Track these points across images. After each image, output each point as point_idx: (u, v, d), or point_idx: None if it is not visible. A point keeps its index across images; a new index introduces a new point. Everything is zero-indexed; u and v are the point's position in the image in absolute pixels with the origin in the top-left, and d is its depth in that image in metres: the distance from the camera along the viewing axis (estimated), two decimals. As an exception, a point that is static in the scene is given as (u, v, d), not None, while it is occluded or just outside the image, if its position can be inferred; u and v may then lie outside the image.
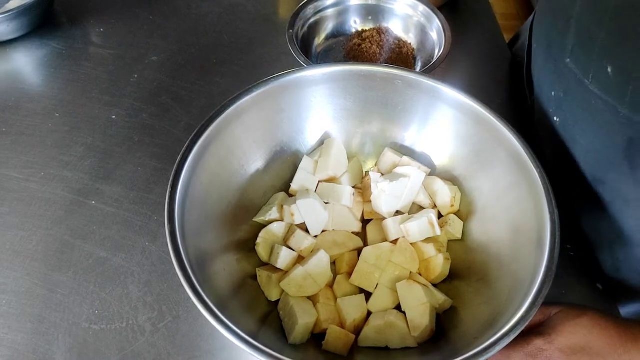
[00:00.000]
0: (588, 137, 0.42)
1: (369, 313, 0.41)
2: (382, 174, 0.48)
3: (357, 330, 0.40)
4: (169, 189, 0.37)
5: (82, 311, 0.44)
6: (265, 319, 0.40)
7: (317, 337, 0.40)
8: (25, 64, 0.65)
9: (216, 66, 0.66)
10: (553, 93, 0.47)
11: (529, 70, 0.58)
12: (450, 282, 0.44)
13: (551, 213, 0.37)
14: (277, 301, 0.42)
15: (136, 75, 0.64)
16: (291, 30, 0.60)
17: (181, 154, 0.39)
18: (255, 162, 0.46)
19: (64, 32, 0.69)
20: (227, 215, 0.43)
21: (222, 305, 0.34)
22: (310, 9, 0.64)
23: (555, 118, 0.48)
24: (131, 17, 0.72)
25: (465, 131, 0.46)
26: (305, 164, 0.48)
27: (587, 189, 0.45)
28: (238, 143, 0.44)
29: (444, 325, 0.41)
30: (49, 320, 0.44)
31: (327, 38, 0.67)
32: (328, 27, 0.67)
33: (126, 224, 0.50)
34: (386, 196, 0.45)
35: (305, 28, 0.64)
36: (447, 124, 0.47)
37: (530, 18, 0.62)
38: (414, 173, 0.45)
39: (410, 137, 0.49)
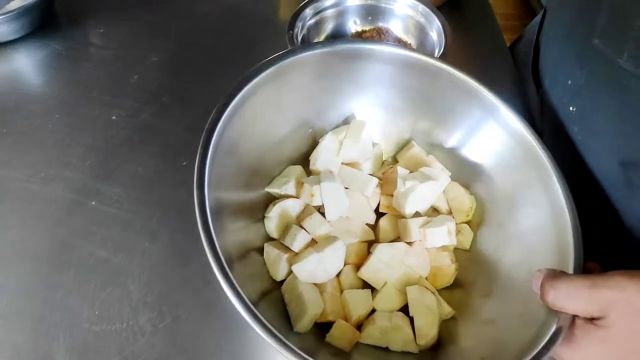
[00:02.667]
0: (614, 121, 0.41)
1: (373, 309, 0.41)
2: (405, 168, 0.47)
3: (359, 325, 0.40)
4: (204, 135, 0.37)
5: (82, 311, 0.44)
6: (264, 297, 0.38)
7: (318, 325, 0.40)
8: (26, 65, 0.65)
9: (216, 67, 0.66)
10: (570, 82, 0.46)
11: (535, 64, 0.58)
12: (452, 289, 0.43)
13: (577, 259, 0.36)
14: (281, 281, 0.41)
15: (136, 76, 0.64)
16: (291, 31, 0.60)
17: (219, 105, 0.39)
18: (279, 128, 0.45)
19: (64, 32, 0.69)
20: (243, 177, 0.42)
21: (230, 267, 0.32)
22: (310, 10, 0.64)
23: (570, 108, 0.47)
24: (131, 18, 0.72)
25: (512, 162, 0.43)
26: (329, 142, 0.45)
27: (607, 177, 0.44)
28: (273, 105, 0.43)
29: (442, 333, 0.40)
30: (49, 320, 0.44)
31: (328, 39, 0.67)
32: (328, 27, 0.67)
33: (126, 224, 0.50)
34: (413, 195, 0.43)
35: (305, 29, 0.64)
36: (493, 145, 0.44)
37: (538, 17, 0.62)
38: (441, 177, 0.44)
39: (445, 139, 0.48)
